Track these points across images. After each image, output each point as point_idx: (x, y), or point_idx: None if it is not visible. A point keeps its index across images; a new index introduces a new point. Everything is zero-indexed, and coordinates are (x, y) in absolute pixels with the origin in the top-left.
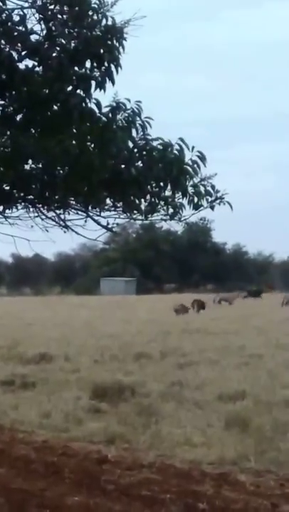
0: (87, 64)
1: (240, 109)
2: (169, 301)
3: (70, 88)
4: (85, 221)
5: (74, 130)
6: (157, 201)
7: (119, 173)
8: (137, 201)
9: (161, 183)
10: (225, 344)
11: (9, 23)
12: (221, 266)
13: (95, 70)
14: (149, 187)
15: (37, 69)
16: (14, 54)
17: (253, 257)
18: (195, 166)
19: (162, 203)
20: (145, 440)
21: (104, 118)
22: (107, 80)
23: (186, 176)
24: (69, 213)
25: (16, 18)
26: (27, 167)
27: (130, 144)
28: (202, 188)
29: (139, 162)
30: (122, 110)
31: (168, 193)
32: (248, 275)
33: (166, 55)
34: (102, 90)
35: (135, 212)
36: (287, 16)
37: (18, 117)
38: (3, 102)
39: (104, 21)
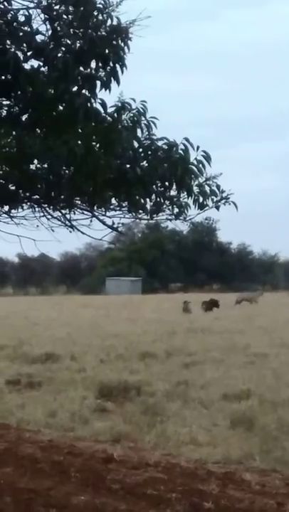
0: (93, 64)
1: (245, 108)
2: (174, 300)
3: (75, 88)
4: (91, 221)
5: (79, 130)
6: (162, 201)
7: (124, 173)
8: (142, 201)
9: (167, 183)
10: (230, 343)
11: (14, 24)
12: (226, 265)
13: (100, 70)
14: (154, 187)
15: (42, 69)
16: (19, 54)
17: (258, 257)
18: (200, 165)
19: (167, 202)
20: (151, 439)
21: (109, 118)
22: (112, 79)
23: (192, 176)
24: (74, 213)
25: (22, 19)
26: (32, 167)
27: (135, 144)
28: (207, 188)
29: (144, 162)
30: (128, 110)
31: (173, 192)
32: (253, 274)
33: (170, 55)
34: (108, 90)
35: (140, 211)
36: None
37: (24, 117)
38: (8, 102)
39: (109, 21)
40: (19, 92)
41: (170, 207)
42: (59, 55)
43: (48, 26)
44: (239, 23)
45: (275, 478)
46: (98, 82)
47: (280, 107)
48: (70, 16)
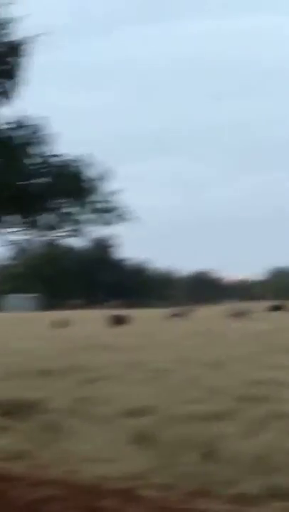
0: None
1: (148, 124)
2: (73, 317)
3: None
4: None
5: None
6: (61, 217)
7: (22, 190)
8: (40, 217)
9: (64, 199)
10: (130, 359)
11: None
12: (125, 281)
13: None
14: (52, 203)
15: None
16: None
17: (157, 272)
18: (100, 181)
19: (66, 218)
20: (50, 456)
21: (7, 134)
22: (11, 96)
23: (90, 192)
24: None
25: None
26: None
27: (34, 160)
28: (107, 204)
29: (42, 178)
30: (26, 126)
31: (71, 208)
32: (154, 290)
33: (72, 72)
34: (6, 106)
35: (39, 228)
36: (186, 33)
37: None
38: None
39: (8, 38)
40: None
41: (69, 223)
42: None
43: None
44: (133, 39)
45: (174, 494)
46: None
47: (183, 123)
48: None
